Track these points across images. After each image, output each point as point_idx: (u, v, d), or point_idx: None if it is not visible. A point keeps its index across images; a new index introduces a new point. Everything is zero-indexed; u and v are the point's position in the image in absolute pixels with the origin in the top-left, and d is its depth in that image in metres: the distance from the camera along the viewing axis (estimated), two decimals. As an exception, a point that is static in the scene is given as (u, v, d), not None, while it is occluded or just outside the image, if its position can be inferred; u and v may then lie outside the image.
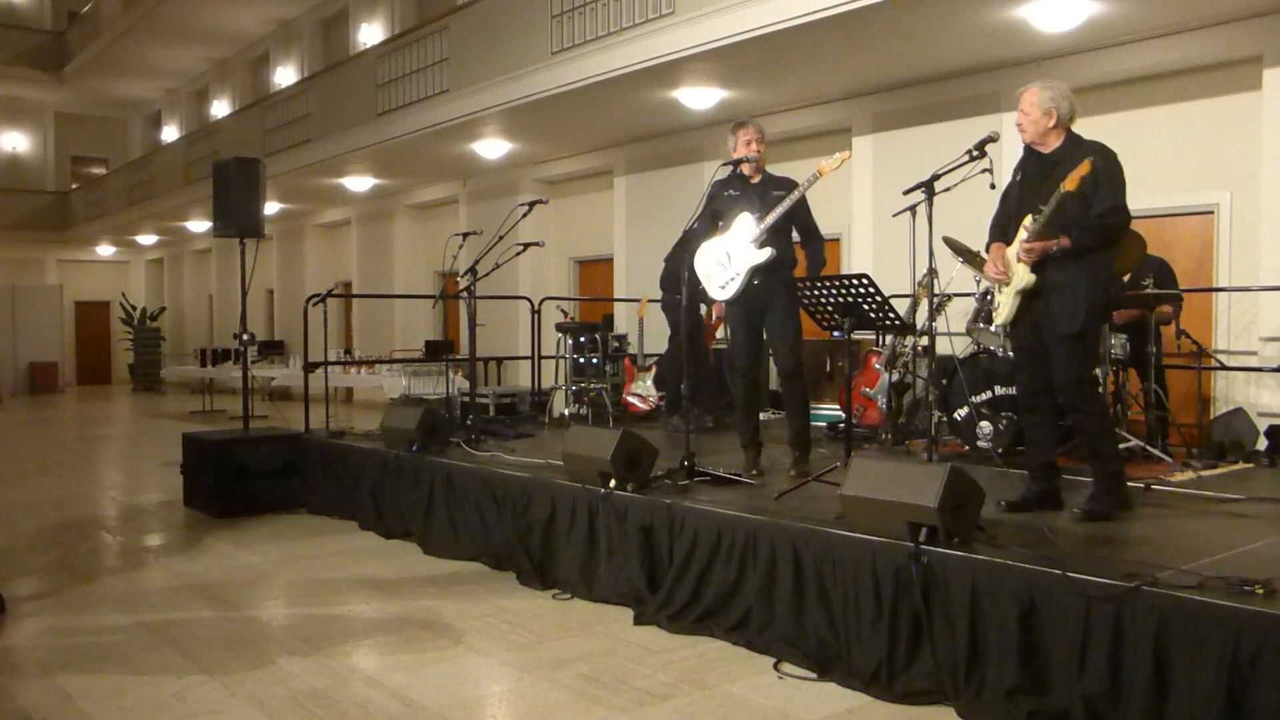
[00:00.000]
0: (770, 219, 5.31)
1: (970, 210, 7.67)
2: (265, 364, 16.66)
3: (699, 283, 5.67)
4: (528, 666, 4.08)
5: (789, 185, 5.53)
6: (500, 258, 7.26)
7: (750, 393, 5.75)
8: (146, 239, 25.15)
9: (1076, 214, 4.22)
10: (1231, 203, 7.94)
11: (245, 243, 7.93)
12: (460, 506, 6.20)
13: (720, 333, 10.75)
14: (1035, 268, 4.32)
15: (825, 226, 5.71)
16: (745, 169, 5.57)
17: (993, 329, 6.08)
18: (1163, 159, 8.14)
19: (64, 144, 26.66)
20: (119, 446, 12.91)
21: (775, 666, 4.00)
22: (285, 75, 19.24)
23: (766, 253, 5.36)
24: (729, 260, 5.48)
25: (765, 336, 5.67)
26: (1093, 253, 4.26)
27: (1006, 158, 8.46)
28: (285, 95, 16.05)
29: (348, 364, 14.05)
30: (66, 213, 25.79)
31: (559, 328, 9.75)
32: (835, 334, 5.65)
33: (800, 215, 5.49)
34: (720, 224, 5.61)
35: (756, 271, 5.40)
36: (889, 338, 7.36)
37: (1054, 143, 4.40)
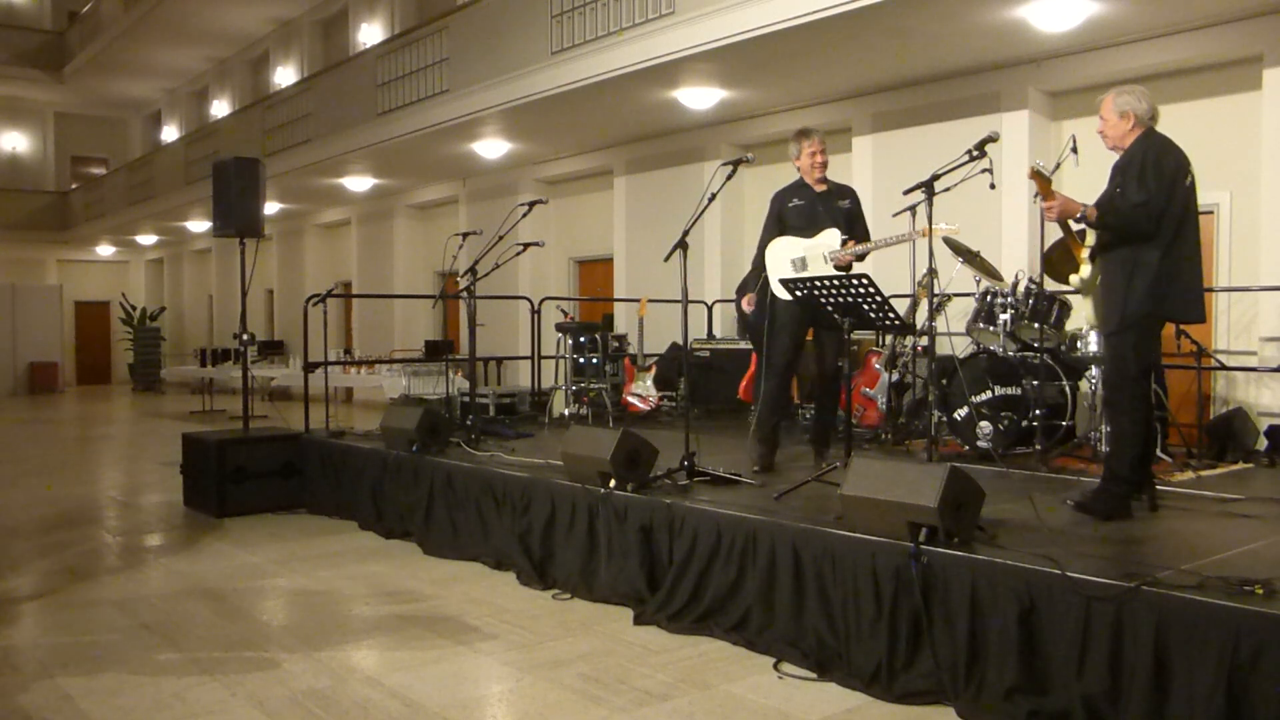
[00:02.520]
0: (859, 249, 5.57)
1: (970, 210, 7.69)
2: (265, 364, 16.65)
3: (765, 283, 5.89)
4: (528, 666, 4.08)
5: (851, 195, 5.83)
6: (500, 258, 7.26)
7: (784, 389, 5.85)
8: (146, 239, 25.15)
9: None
10: (1231, 203, 7.94)
11: (245, 243, 7.92)
12: (460, 506, 6.20)
13: (719, 331, 10.75)
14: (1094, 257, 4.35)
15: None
16: (818, 172, 5.75)
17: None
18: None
19: (64, 144, 26.67)
20: (119, 446, 12.90)
21: (775, 666, 4.00)
22: (285, 75, 19.23)
23: (835, 272, 5.53)
24: (803, 265, 5.66)
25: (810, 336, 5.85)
26: (1132, 246, 4.18)
27: (1006, 158, 8.51)
28: (285, 95, 16.04)
29: (348, 364, 14.05)
30: (66, 213, 25.79)
31: (559, 328, 9.75)
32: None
33: (861, 225, 5.80)
34: (794, 227, 5.79)
35: None
36: (889, 338, 7.37)
37: (1127, 145, 4.35)
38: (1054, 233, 5.35)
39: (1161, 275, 4.17)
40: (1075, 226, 4.55)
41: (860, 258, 5.65)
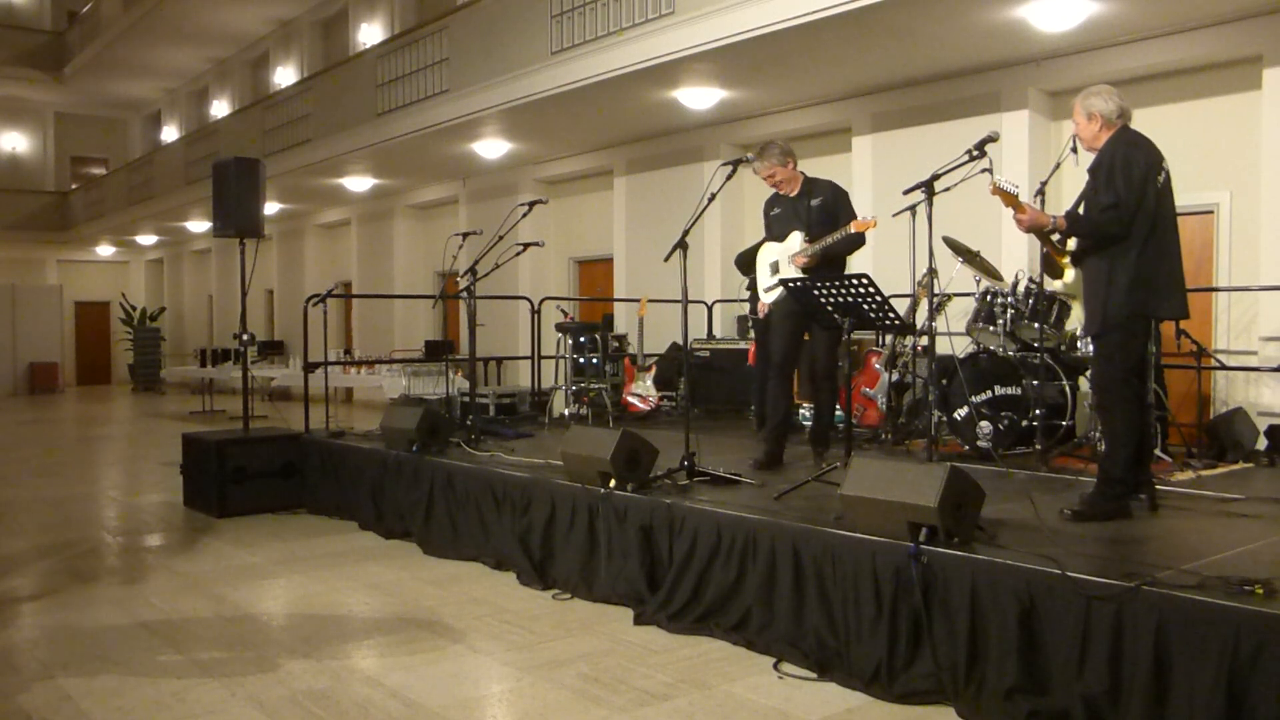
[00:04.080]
0: (817, 247, 5.63)
1: (970, 210, 7.70)
2: (265, 364, 16.66)
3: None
4: (528, 666, 4.08)
5: (825, 190, 5.86)
6: (500, 258, 7.26)
7: (784, 388, 5.89)
8: (146, 239, 25.15)
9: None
10: (1231, 203, 7.94)
11: (245, 243, 7.92)
12: (460, 506, 6.20)
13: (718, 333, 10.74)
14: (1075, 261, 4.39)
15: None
16: (782, 189, 5.88)
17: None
18: (1162, 159, 8.12)
19: (64, 144, 26.67)
20: (119, 446, 12.90)
21: (775, 666, 4.00)
22: (285, 75, 19.23)
23: (801, 275, 5.62)
24: (777, 269, 5.86)
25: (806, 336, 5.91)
26: (1108, 248, 4.20)
27: (1006, 158, 8.51)
28: (285, 95, 16.04)
29: (348, 364, 14.05)
30: (66, 213, 25.79)
31: (559, 328, 9.75)
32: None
33: (845, 216, 5.76)
34: (775, 235, 5.99)
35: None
36: (889, 338, 7.36)
37: (1099, 146, 4.36)
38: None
39: (1139, 274, 4.18)
40: (1054, 236, 4.57)
41: (816, 258, 5.63)
